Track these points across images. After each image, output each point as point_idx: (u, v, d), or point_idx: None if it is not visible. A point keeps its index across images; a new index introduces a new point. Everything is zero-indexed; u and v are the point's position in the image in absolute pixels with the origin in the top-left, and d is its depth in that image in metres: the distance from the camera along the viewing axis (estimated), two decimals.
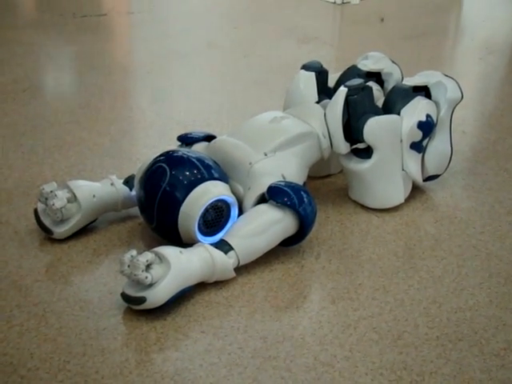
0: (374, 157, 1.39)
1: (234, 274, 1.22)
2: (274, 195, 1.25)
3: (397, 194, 1.44)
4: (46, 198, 1.29)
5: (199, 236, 1.24)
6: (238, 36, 2.62)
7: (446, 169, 1.50)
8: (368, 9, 3.01)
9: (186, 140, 1.42)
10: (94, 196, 1.32)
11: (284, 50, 2.45)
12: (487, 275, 1.26)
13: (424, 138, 1.41)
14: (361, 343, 1.09)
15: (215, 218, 1.25)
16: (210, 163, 1.28)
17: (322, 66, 1.53)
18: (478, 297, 1.20)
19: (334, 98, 1.40)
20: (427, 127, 1.40)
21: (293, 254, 1.30)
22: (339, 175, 1.58)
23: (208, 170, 1.25)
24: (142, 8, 2.97)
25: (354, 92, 1.37)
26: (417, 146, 1.42)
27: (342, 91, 1.37)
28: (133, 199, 1.35)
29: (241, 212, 1.28)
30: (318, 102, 1.49)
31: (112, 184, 1.36)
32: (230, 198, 1.25)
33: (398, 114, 1.40)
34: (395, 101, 1.42)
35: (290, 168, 1.33)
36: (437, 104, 1.43)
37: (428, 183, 1.51)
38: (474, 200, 1.50)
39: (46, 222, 1.32)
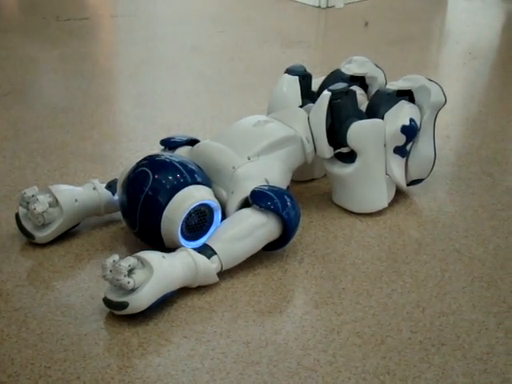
0: (358, 161, 1.39)
1: (217, 279, 1.21)
2: (258, 199, 1.24)
3: (380, 198, 1.44)
4: (28, 203, 1.28)
5: (182, 241, 1.23)
6: (223, 40, 2.62)
7: (430, 173, 1.50)
8: (352, 13, 3.01)
9: (169, 144, 1.42)
10: (76, 200, 1.31)
11: (268, 53, 2.45)
12: (470, 279, 1.26)
13: (407, 142, 1.41)
14: (344, 348, 1.08)
15: (198, 222, 1.25)
16: (193, 167, 1.27)
17: (305, 70, 1.53)
18: (461, 301, 1.20)
19: (317, 102, 1.40)
20: (411, 131, 1.40)
21: (276, 258, 1.30)
22: (323, 179, 1.58)
23: (191, 175, 1.25)
24: (126, 11, 2.95)
25: (338, 96, 1.37)
26: (400, 151, 1.42)
27: (326, 95, 1.37)
28: (115, 204, 1.34)
29: (224, 216, 1.28)
30: (301, 106, 1.49)
31: (94, 188, 1.35)
32: (213, 203, 1.25)
33: (382, 118, 1.40)
34: (379, 105, 1.42)
35: (273, 172, 1.33)
36: (420, 108, 1.43)
37: (411, 187, 1.51)
38: (457, 204, 1.51)
39: (28, 226, 1.30)
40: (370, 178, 1.41)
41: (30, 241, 1.31)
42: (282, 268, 1.27)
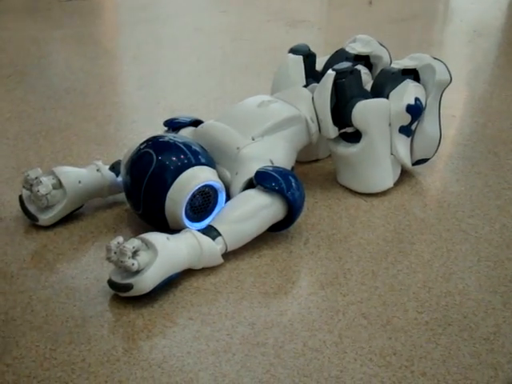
0: (363, 141, 1.38)
1: (221, 260, 1.21)
2: (262, 180, 1.23)
3: (385, 178, 1.43)
4: (31, 185, 1.28)
5: (186, 222, 1.22)
6: (226, 20, 2.60)
7: (435, 153, 1.49)
8: None
9: (173, 125, 1.41)
10: (79, 182, 1.31)
11: (272, 33, 2.43)
12: (476, 259, 1.25)
13: (413, 121, 1.40)
14: (350, 329, 1.08)
15: (202, 203, 1.24)
16: (197, 148, 1.26)
17: (309, 50, 1.52)
18: (468, 281, 1.19)
19: (321, 82, 1.39)
20: (416, 111, 1.39)
21: (281, 239, 1.29)
22: (327, 160, 1.57)
23: (195, 156, 1.24)
24: None
25: (343, 76, 1.36)
26: (405, 130, 1.41)
27: (330, 75, 1.36)
28: (119, 185, 1.34)
29: (228, 197, 1.27)
30: (305, 86, 1.47)
31: (98, 170, 1.34)
32: (217, 184, 1.24)
33: (387, 97, 1.38)
34: (384, 84, 1.40)
35: (277, 152, 1.32)
36: (425, 87, 1.42)
37: (417, 167, 1.50)
38: (463, 184, 1.50)
39: (31, 208, 1.30)
40: (375, 158, 1.40)
41: (33, 223, 1.30)
42: (287, 249, 1.27)
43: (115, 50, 2.36)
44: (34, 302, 1.12)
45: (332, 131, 1.39)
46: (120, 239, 1.12)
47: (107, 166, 1.36)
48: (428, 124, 1.44)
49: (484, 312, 1.12)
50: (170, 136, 1.29)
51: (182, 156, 1.23)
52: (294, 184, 1.24)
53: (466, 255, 1.26)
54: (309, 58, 1.50)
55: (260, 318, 1.10)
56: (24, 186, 1.30)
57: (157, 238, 1.13)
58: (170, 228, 1.23)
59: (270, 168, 1.26)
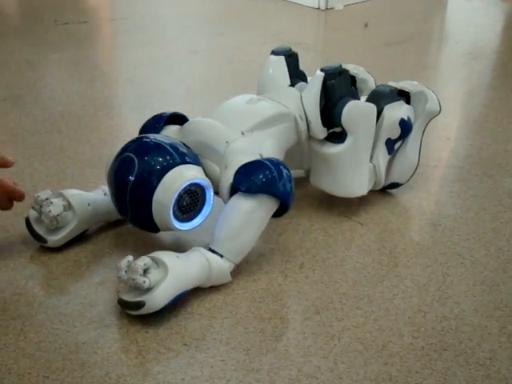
0: (347, 141, 1.36)
1: (230, 279, 1.21)
2: (239, 184, 1.21)
3: (362, 184, 1.42)
4: (41, 206, 1.28)
5: (175, 223, 1.21)
6: (222, 43, 2.61)
7: (409, 179, 1.50)
8: (352, 14, 3.00)
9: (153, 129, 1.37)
10: (88, 205, 1.31)
11: (268, 55, 2.44)
12: (472, 283, 1.25)
13: (400, 138, 1.42)
14: (345, 354, 1.07)
15: (190, 203, 1.22)
16: (179, 147, 1.24)
17: (291, 50, 1.50)
18: (463, 305, 1.19)
19: (310, 83, 1.39)
20: (407, 127, 1.40)
21: (276, 263, 1.29)
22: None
23: (178, 154, 1.21)
24: (124, 15, 2.94)
25: (332, 77, 1.35)
26: (390, 145, 1.41)
27: (319, 76, 1.35)
28: None
29: (217, 193, 1.26)
30: (291, 86, 1.46)
31: (105, 194, 1.34)
32: (204, 181, 1.22)
33: (382, 110, 1.39)
34: (380, 97, 1.40)
35: (267, 148, 1.29)
36: (415, 113, 1.43)
37: (413, 190, 1.50)
38: (458, 207, 1.50)
39: (40, 230, 1.30)
40: (357, 161, 1.39)
41: (29, 247, 1.30)
42: (283, 273, 1.26)
43: (111, 72, 2.37)
44: (26, 329, 1.11)
45: (321, 132, 1.38)
46: (130, 258, 1.13)
47: None
48: (410, 149, 1.45)
49: (480, 337, 1.11)
50: (151, 136, 1.26)
51: (165, 156, 1.20)
52: (269, 175, 1.21)
53: (461, 279, 1.26)
54: (291, 57, 1.49)
55: (255, 344, 1.09)
56: (33, 207, 1.30)
57: (167, 256, 1.14)
58: (161, 230, 1.23)
59: (245, 165, 1.22)
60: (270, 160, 1.24)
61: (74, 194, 1.31)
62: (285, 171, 1.23)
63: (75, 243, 1.32)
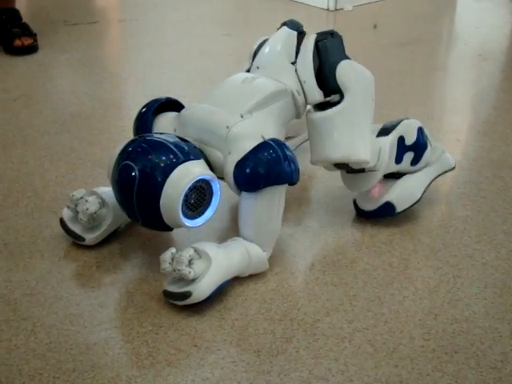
0: (344, 102, 1.32)
1: (267, 266, 1.25)
2: (242, 185, 1.21)
3: (363, 147, 1.34)
4: (76, 205, 1.29)
5: (186, 221, 1.19)
6: (230, 43, 2.61)
7: (404, 210, 1.41)
8: (361, 15, 2.99)
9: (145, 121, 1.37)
10: None
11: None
12: (483, 285, 1.24)
13: (412, 148, 1.38)
14: (356, 356, 1.07)
15: (198, 199, 1.20)
16: (177, 141, 1.21)
17: (303, 27, 1.45)
18: (474, 307, 1.18)
19: (302, 46, 1.36)
20: (422, 139, 1.39)
21: (286, 264, 1.29)
22: (332, 184, 1.55)
23: (177, 152, 1.18)
24: (133, 16, 2.95)
25: (323, 37, 1.34)
26: (401, 148, 1.38)
27: (311, 37, 1.34)
28: None
29: (222, 178, 1.24)
30: (293, 63, 1.40)
31: None
32: (208, 176, 1.19)
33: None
34: (390, 127, 1.40)
35: (268, 128, 1.28)
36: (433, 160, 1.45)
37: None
38: (469, 209, 1.49)
39: (76, 229, 1.31)
40: (355, 122, 1.33)
41: (38, 249, 1.30)
42: (293, 275, 1.26)
43: (120, 73, 2.37)
44: (37, 329, 1.11)
45: (317, 93, 1.34)
46: (173, 250, 1.15)
47: None
48: (417, 180, 1.42)
49: (491, 339, 1.11)
50: (145, 137, 1.23)
51: (164, 157, 1.17)
52: (273, 163, 1.19)
53: (472, 281, 1.25)
54: (301, 35, 1.43)
55: (265, 346, 1.09)
56: (68, 207, 1.31)
57: (208, 246, 1.17)
58: (174, 228, 1.22)
59: (244, 160, 1.21)
60: (271, 142, 1.22)
61: (106, 191, 1.32)
62: (288, 153, 1.21)
63: (84, 245, 1.32)
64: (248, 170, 1.20)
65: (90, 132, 1.83)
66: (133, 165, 1.17)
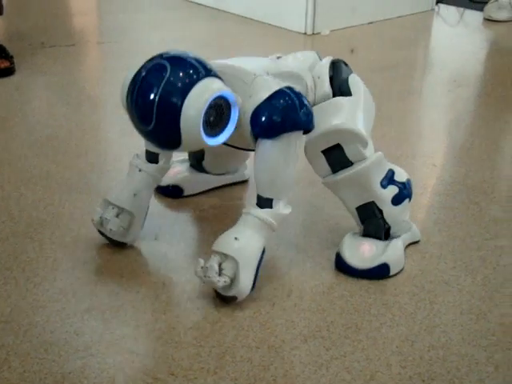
0: (353, 96, 1.36)
1: (290, 210, 1.29)
2: (260, 134, 1.23)
3: (363, 129, 1.33)
4: (101, 225, 1.37)
5: (205, 138, 1.17)
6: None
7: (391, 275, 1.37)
8: (338, 40, 3.02)
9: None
10: (134, 195, 1.35)
11: None
12: (459, 312, 1.25)
13: (397, 184, 1.35)
14: None
15: (216, 117, 1.19)
16: (206, 62, 1.23)
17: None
18: (451, 334, 1.19)
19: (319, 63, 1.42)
20: (407, 186, 1.38)
21: (264, 291, 1.28)
22: (309, 210, 1.57)
23: (206, 68, 1.21)
24: (112, 38, 2.95)
25: (339, 61, 1.42)
26: (390, 180, 1.36)
27: (328, 57, 1.42)
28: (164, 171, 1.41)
29: (239, 120, 1.23)
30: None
31: (140, 170, 1.37)
32: (233, 96, 1.19)
33: None
34: None
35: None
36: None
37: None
38: (444, 234, 1.50)
39: (117, 238, 1.39)
40: (359, 115, 1.35)
41: (11, 275, 1.28)
42: (270, 301, 1.26)
43: (98, 96, 2.37)
44: (11, 358, 1.09)
45: (327, 85, 1.37)
46: (201, 262, 1.21)
47: (145, 161, 1.38)
48: (401, 246, 1.40)
49: (467, 366, 1.11)
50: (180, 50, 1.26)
51: (195, 67, 1.19)
52: (289, 109, 1.22)
53: (448, 308, 1.26)
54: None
55: (242, 374, 1.08)
56: (99, 231, 1.39)
57: (227, 246, 1.21)
58: (182, 144, 1.19)
59: (261, 105, 1.22)
60: (287, 90, 1.24)
61: (117, 193, 1.36)
62: (304, 100, 1.25)
63: (60, 270, 1.31)
64: (264, 117, 1.22)
65: (67, 156, 1.82)
66: (167, 63, 1.20)
